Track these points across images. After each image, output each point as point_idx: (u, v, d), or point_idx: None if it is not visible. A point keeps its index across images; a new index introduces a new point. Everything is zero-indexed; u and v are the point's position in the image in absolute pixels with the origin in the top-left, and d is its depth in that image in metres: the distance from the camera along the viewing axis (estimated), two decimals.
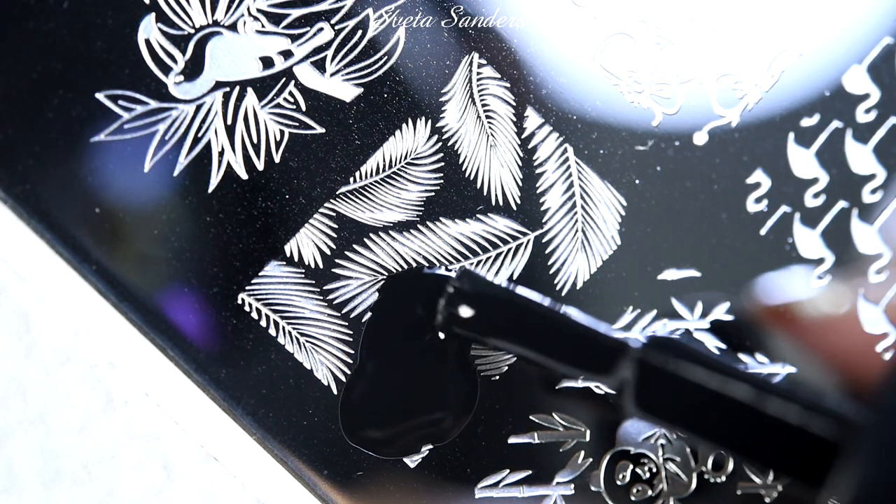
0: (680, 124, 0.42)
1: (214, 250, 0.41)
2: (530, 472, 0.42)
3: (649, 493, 0.42)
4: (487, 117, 0.42)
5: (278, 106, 0.41)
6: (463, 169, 0.42)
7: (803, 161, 0.42)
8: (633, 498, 0.42)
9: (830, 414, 0.34)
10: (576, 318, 0.39)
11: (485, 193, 0.42)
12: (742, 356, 0.42)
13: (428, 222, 0.42)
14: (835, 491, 0.32)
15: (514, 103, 0.42)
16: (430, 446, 0.41)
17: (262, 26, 0.41)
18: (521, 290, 0.40)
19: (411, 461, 0.41)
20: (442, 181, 0.42)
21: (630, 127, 0.42)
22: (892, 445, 0.31)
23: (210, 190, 0.40)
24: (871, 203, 0.42)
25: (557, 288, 0.42)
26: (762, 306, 0.42)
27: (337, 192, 0.41)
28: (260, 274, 0.41)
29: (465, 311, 0.39)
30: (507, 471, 0.42)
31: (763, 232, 0.42)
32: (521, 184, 0.42)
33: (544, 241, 0.42)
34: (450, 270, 0.41)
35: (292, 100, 0.41)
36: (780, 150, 0.42)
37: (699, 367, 0.36)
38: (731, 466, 0.42)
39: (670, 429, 0.37)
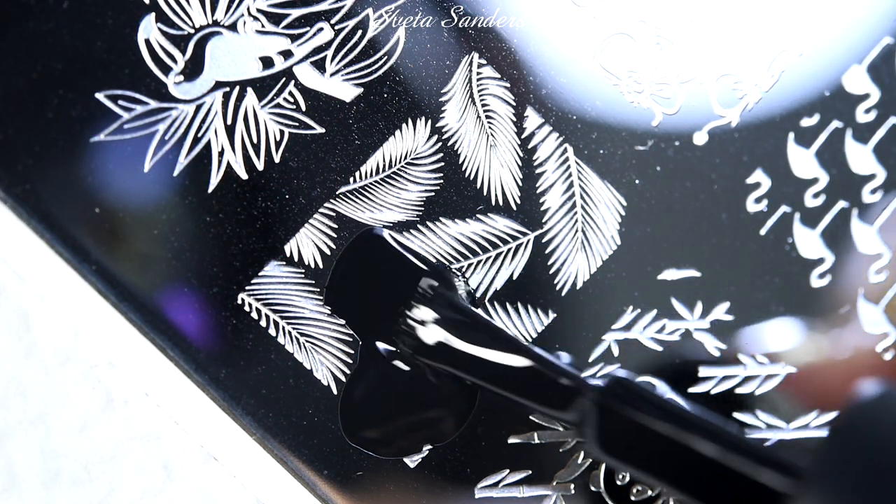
0: (680, 124, 0.42)
1: (214, 250, 0.41)
2: (530, 471, 0.42)
3: (649, 493, 0.42)
4: (487, 117, 0.42)
5: (278, 106, 0.41)
6: (463, 169, 0.42)
7: (803, 161, 0.42)
8: (632, 498, 0.42)
9: (783, 466, 0.35)
10: (540, 354, 0.40)
11: (485, 193, 0.42)
12: (742, 357, 0.42)
13: (428, 222, 0.42)
14: None
15: (514, 103, 0.42)
16: (430, 446, 0.41)
17: (262, 26, 0.41)
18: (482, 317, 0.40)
19: (411, 461, 0.41)
20: (442, 181, 0.42)
21: (630, 127, 0.42)
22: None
23: (210, 190, 0.40)
24: (871, 203, 0.42)
25: (557, 288, 0.42)
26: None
27: (337, 192, 0.41)
28: (260, 274, 0.41)
29: (431, 338, 0.40)
30: (507, 471, 0.42)
31: (763, 232, 0.42)
32: (521, 184, 0.42)
33: (544, 241, 0.42)
34: (451, 269, 0.41)
35: (292, 100, 0.41)
36: (780, 150, 0.42)
37: (656, 415, 0.37)
38: None
39: (630, 472, 0.38)
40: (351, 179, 0.41)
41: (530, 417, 0.42)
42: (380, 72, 0.41)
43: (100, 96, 0.40)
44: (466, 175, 0.42)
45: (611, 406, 0.38)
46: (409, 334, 0.40)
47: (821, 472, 0.33)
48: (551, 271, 0.42)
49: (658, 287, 0.42)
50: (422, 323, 0.40)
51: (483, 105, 0.42)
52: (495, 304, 0.42)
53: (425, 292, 0.41)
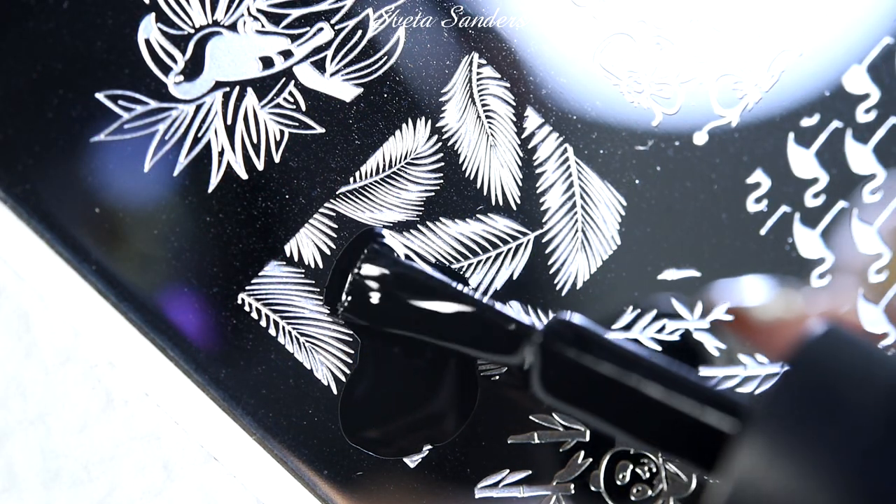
0: (680, 124, 0.42)
1: (214, 250, 0.41)
2: (530, 471, 0.42)
3: (649, 493, 0.42)
4: (487, 117, 0.42)
5: (278, 106, 0.41)
6: (463, 169, 0.42)
7: (803, 161, 0.42)
8: (633, 498, 0.42)
9: (730, 406, 0.35)
10: (478, 298, 0.40)
11: (485, 193, 0.42)
12: (742, 356, 0.42)
13: (428, 222, 0.42)
14: (720, 476, 0.33)
15: (514, 103, 0.42)
16: (430, 446, 0.41)
17: (262, 26, 0.41)
18: (423, 267, 0.40)
19: (411, 461, 0.41)
20: (442, 181, 0.42)
21: (630, 127, 0.42)
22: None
23: (210, 190, 0.40)
24: (871, 203, 0.42)
25: (557, 288, 0.42)
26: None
27: (337, 192, 0.41)
28: (260, 274, 0.41)
29: (374, 298, 0.40)
30: (507, 471, 0.42)
31: (763, 232, 0.42)
32: (521, 184, 0.42)
33: (544, 241, 0.42)
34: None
35: (292, 100, 0.41)
36: (780, 150, 0.42)
37: (600, 356, 0.37)
38: None
39: (575, 414, 0.38)
40: (351, 179, 0.41)
41: (530, 417, 0.42)
42: (380, 72, 0.41)
43: (100, 96, 0.40)
44: (466, 175, 0.42)
45: (554, 348, 0.37)
46: (355, 297, 0.40)
47: (766, 411, 0.33)
48: (551, 271, 0.42)
49: (658, 287, 0.42)
50: (367, 281, 0.40)
51: (483, 105, 0.42)
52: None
53: (368, 252, 0.41)
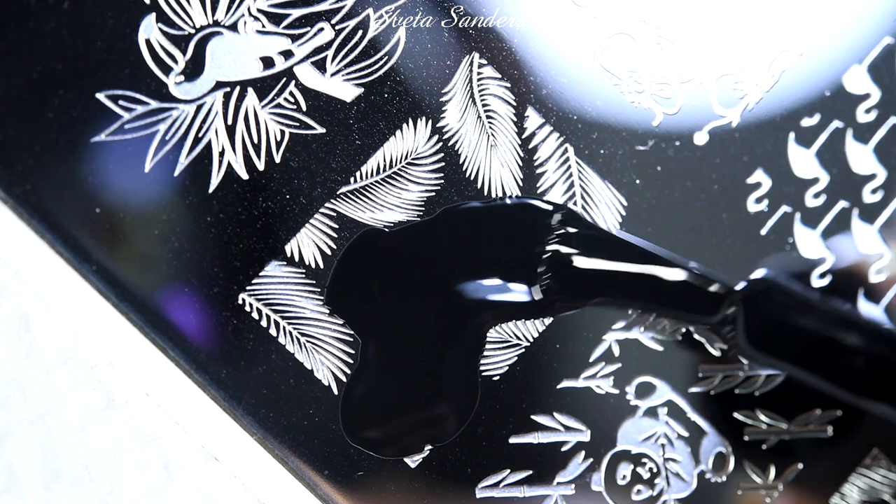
0: (680, 124, 0.42)
1: (215, 250, 0.41)
2: (531, 472, 0.42)
3: (650, 493, 0.42)
4: (488, 117, 0.42)
5: (279, 106, 0.41)
6: (463, 169, 0.42)
7: (804, 161, 0.42)
8: (633, 498, 0.42)
9: None
10: (687, 264, 0.41)
11: (485, 193, 0.42)
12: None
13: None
14: None
15: (514, 103, 0.42)
16: (431, 446, 0.41)
17: (263, 26, 0.41)
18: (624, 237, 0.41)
19: (412, 461, 0.41)
20: (442, 181, 0.42)
21: (630, 127, 0.42)
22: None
23: (211, 190, 0.40)
24: (872, 203, 0.42)
25: None
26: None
27: (337, 193, 0.41)
28: (260, 274, 0.41)
29: (579, 260, 0.40)
30: (508, 471, 0.42)
31: (763, 232, 0.42)
32: (521, 184, 0.42)
33: None
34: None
35: (293, 100, 0.41)
36: (780, 149, 0.42)
37: (801, 310, 0.39)
38: (731, 466, 0.42)
39: (779, 367, 0.39)
40: (352, 179, 0.41)
41: (531, 417, 0.42)
42: (380, 72, 0.41)
43: (100, 96, 0.40)
44: (467, 175, 0.42)
45: (756, 304, 0.39)
46: (556, 268, 0.40)
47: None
48: None
49: None
50: (567, 256, 0.40)
51: (484, 105, 0.42)
52: None
53: (558, 227, 0.41)
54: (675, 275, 0.40)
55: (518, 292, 0.41)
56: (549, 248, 0.40)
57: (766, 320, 0.39)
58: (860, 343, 0.37)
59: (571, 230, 0.40)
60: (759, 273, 0.41)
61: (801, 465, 0.42)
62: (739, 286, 0.40)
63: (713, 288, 0.40)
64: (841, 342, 0.38)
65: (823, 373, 0.38)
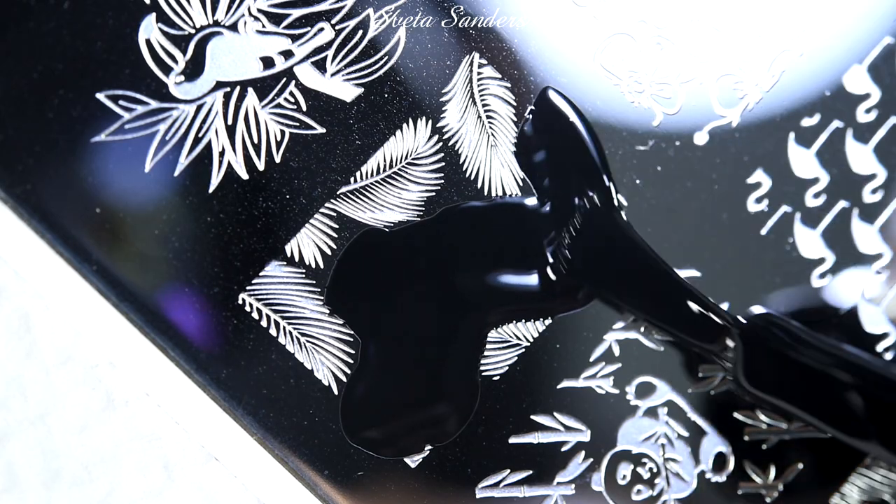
0: (680, 124, 0.42)
1: (215, 250, 0.41)
2: (531, 472, 0.42)
3: (650, 493, 0.42)
4: (488, 117, 0.42)
5: (279, 106, 0.41)
6: (463, 169, 0.42)
7: (804, 161, 0.42)
8: (633, 498, 0.42)
9: None
10: (695, 291, 0.41)
11: (485, 193, 0.42)
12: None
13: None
14: None
15: (514, 103, 0.42)
16: (431, 446, 0.41)
17: (263, 26, 0.41)
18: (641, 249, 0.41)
19: (412, 461, 0.41)
20: (443, 181, 0.42)
21: (630, 127, 0.42)
22: None
23: (211, 190, 0.40)
24: (872, 203, 0.42)
25: None
26: None
27: (338, 192, 0.41)
28: (261, 274, 0.41)
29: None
30: (508, 471, 0.42)
31: (764, 232, 0.42)
32: (521, 184, 0.42)
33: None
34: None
35: (293, 100, 0.41)
36: (780, 149, 0.42)
37: (801, 347, 0.39)
38: (731, 466, 0.42)
39: (776, 405, 0.39)
40: (352, 179, 0.41)
41: (531, 417, 0.42)
42: (380, 72, 0.41)
43: (100, 96, 0.40)
44: (467, 175, 0.42)
45: (755, 341, 0.39)
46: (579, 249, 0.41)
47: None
48: None
49: None
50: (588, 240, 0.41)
51: (484, 105, 0.42)
52: None
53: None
54: (676, 295, 0.40)
55: (526, 277, 0.41)
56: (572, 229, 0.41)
57: (765, 359, 0.39)
58: (858, 382, 0.37)
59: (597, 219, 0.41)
60: (759, 309, 0.41)
61: (801, 465, 0.42)
62: (740, 321, 0.40)
63: (715, 318, 0.40)
64: (839, 382, 0.38)
65: (821, 413, 0.38)
